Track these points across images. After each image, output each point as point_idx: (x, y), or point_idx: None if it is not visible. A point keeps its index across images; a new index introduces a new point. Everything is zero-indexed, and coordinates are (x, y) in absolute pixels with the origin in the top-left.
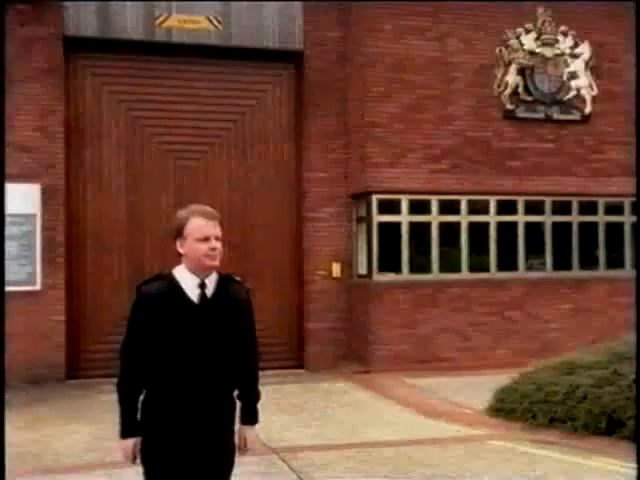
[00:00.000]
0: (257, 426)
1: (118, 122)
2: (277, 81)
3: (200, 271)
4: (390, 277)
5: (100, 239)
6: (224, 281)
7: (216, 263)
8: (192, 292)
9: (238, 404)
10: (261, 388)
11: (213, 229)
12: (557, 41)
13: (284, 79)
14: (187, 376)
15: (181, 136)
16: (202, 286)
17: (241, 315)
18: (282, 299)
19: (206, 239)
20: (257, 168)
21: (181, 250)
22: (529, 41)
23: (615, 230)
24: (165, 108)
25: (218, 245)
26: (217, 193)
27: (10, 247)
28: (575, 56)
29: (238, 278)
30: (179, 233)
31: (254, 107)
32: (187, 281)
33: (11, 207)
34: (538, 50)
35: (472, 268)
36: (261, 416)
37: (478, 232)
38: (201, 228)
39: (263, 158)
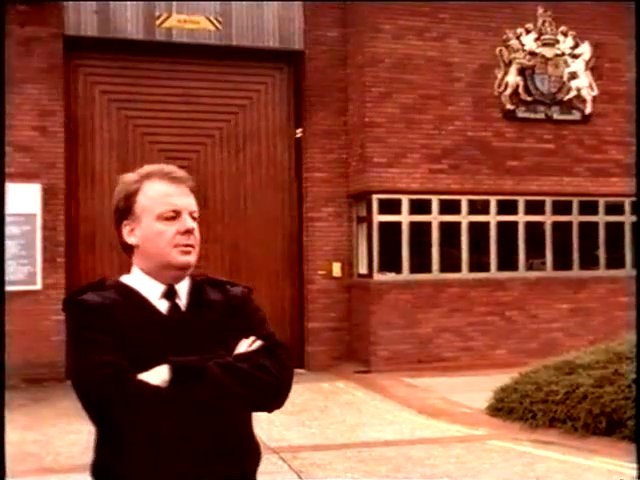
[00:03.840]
0: (257, 425)
1: (116, 122)
2: (277, 81)
3: (166, 274)
4: (390, 277)
5: (100, 239)
6: (200, 286)
7: (191, 259)
8: (157, 305)
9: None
10: None
11: (186, 199)
12: (557, 41)
13: (284, 79)
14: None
15: (175, 136)
16: (170, 295)
17: (247, 324)
18: (279, 299)
19: (174, 216)
20: (256, 167)
21: (131, 240)
22: (529, 41)
23: (615, 230)
24: (164, 108)
25: (195, 227)
26: (213, 192)
27: (10, 247)
28: (575, 56)
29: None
30: (126, 211)
31: (252, 107)
32: (146, 290)
33: (11, 207)
34: (538, 50)
35: (472, 268)
36: (261, 416)
37: (478, 232)
38: (165, 197)
39: (262, 157)
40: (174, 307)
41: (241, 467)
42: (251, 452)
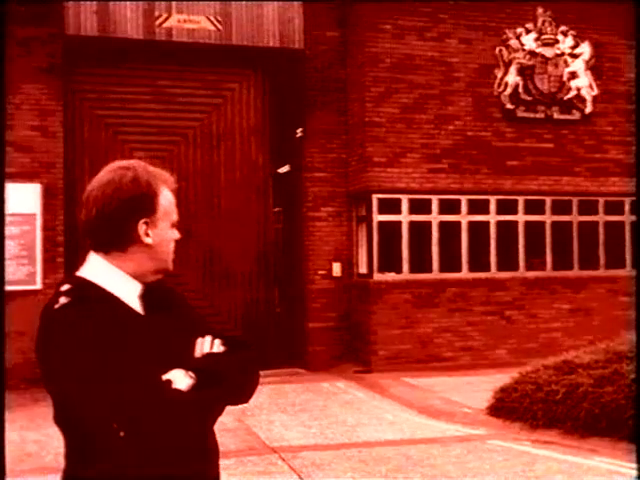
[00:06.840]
0: (257, 425)
1: (89, 121)
2: (251, 81)
3: (151, 277)
4: (390, 277)
5: None
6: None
7: None
8: (132, 305)
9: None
10: (261, 388)
11: None
12: (557, 41)
13: (258, 79)
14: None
15: (148, 135)
16: (147, 296)
17: (195, 318)
18: (254, 299)
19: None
20: (229, 166)
21: (147, 240)
22: (529, 41)
23: (615, 230)
24: (139, 107)
25: None
26: (186, 190)
27: (10, 247)
28: (575, 56)
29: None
30: (149, 210)
31: (226, 106)
32: (122, 290)
33: (11, 207)
34: (538, 50)
35: (472, 268)
36: (261, 416)
37: (478, 232)
38: (174, 206)
39: (236, 156)
40: (148, 307)
41: (217, 464)
42: (218, 449)
